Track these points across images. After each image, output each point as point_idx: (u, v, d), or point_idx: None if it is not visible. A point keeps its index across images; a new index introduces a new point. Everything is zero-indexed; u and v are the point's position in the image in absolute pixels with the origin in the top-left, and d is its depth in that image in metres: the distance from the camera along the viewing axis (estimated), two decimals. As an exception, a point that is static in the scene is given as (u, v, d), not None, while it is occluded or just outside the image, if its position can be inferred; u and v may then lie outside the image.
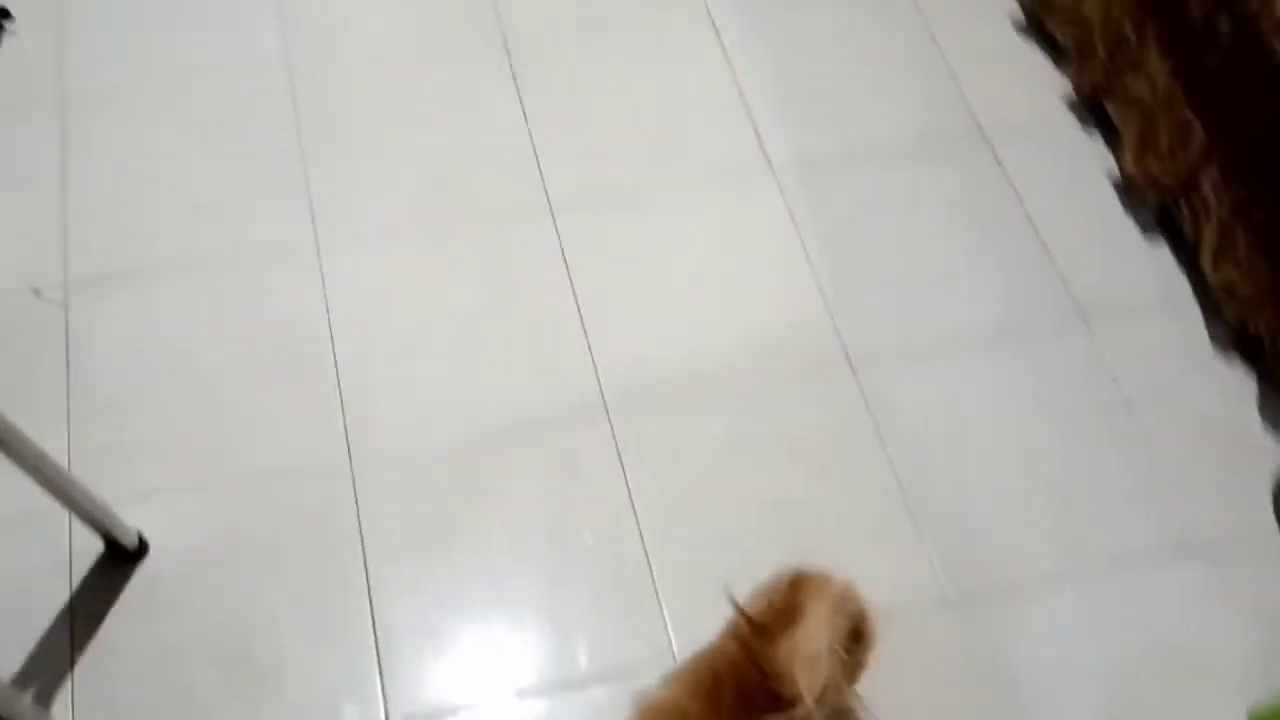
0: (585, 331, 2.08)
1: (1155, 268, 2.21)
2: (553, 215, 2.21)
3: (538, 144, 2.29)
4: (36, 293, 2.04)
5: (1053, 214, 2.26)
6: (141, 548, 1.79)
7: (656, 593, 1.84)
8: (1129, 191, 2.27)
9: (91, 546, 1.81)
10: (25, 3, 2.39)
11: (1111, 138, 2.33)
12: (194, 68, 2.35)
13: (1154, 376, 2.09)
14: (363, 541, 1.86)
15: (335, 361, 2.02)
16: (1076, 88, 2.38)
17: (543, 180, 2.24)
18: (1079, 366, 2.10)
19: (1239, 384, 2.09)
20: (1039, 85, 2.42)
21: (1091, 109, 2.37)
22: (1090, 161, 2.33)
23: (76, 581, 1.79)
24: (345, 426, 1.96)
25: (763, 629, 1.48)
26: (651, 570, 1.86)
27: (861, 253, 2.19)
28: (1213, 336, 2.13)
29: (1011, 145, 2.33)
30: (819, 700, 1.40)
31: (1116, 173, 2.30)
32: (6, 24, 2.36)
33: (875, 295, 2.14)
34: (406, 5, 2.46)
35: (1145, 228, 2.25)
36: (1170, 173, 2.16)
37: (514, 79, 2.36)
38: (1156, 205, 2.21)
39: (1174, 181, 2.15)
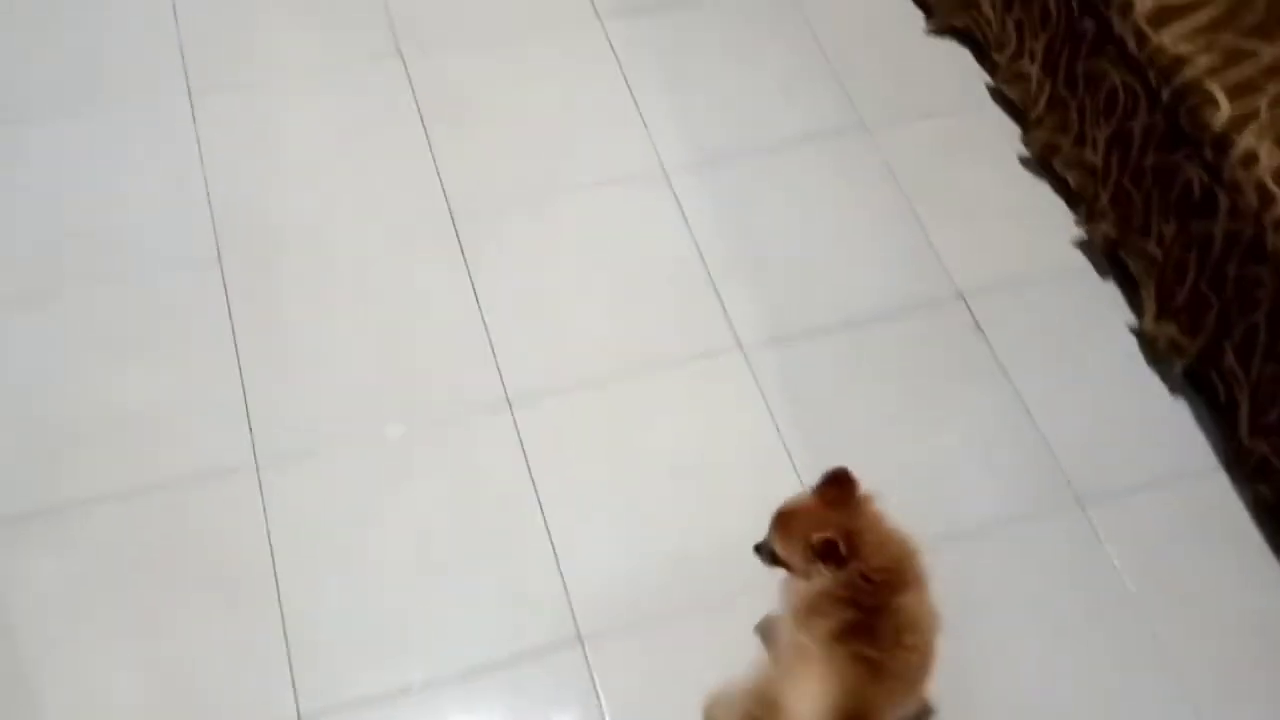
0: (552, 542, 1.91)
1: (1183, 428, 2.06)
2: (510, 407, 2.04)
3: (490, 326, 2.12)
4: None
5: (1062, 372, 2.12)
6: None
7: None
8: (1152, 350, 2.12)
9: None
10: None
11: (1130, 287, 2.19)
12: (120, 268, 2.16)
13: (1171, 558, 1.94)
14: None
15: (279, 595, 1.85)
16: (1089, 235, 2.23)
17: (498, 367, 2.08)
18: (1086, 551, 1.94)
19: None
20: (1048, 230, 2.28)
21: (1108, 256, 2.23)
22: (1111, 310, 2.19)
23: None
24: (292, 676, 1.78)
25: None
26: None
27: (841, 437, 2.04)
28: (1252, 510, 1.97)
29: (1015, 298, 2.19)
30: None
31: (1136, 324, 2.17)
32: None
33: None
34: (341, 185, 2.28)
35: (1172, 386, 2.10)
36: (1191, 340, 2.02)
37: (463, 256, 2.20)
38: (1183, 367, 2.06)
39: (1196, 350, 2.01)
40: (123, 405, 2.01)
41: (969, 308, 2.18)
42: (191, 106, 2.36)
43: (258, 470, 1.95)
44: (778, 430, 2.03)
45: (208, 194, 2.25)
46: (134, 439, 1.98)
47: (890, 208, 2.30)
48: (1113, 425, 2.08)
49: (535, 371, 2.08)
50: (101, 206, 2.23)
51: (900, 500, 1.98)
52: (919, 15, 2.59)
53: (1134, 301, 2.18)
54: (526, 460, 1.99)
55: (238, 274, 2.16)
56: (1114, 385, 2.12)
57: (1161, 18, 1.95)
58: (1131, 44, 1.99)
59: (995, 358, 2.13)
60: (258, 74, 2.43)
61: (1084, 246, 2.26)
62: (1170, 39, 1.93)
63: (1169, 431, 2.07)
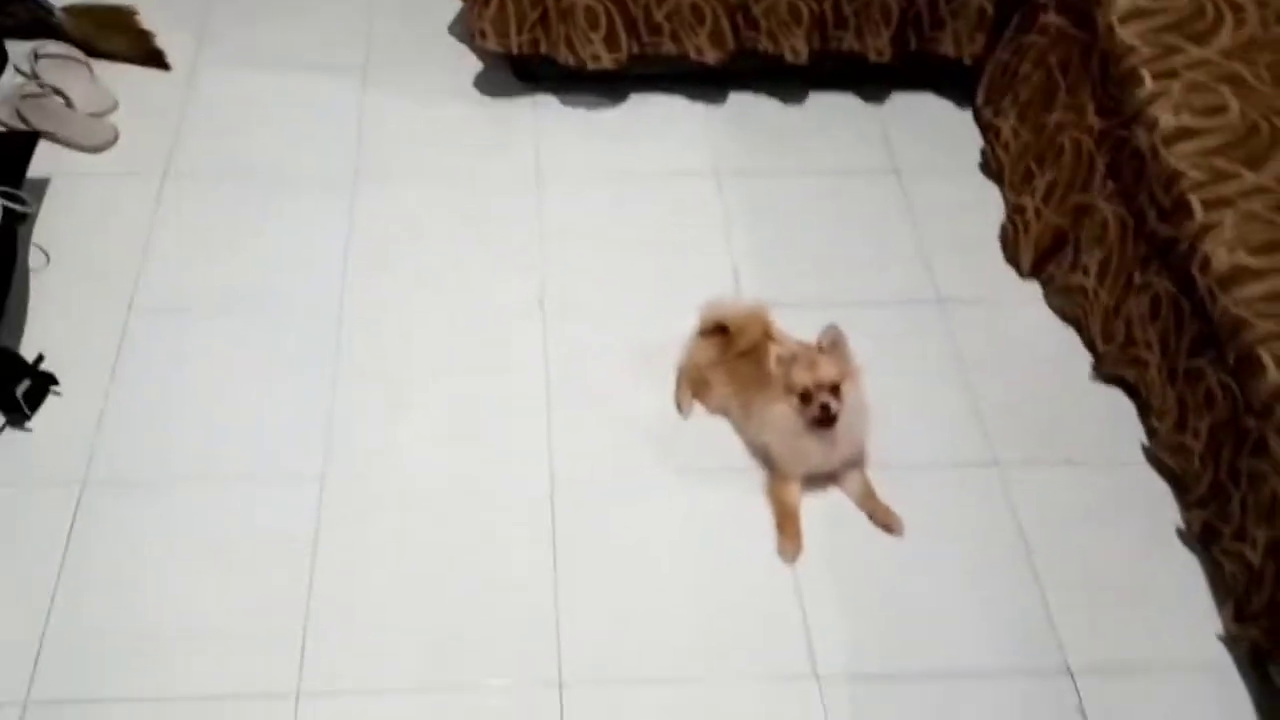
0: None
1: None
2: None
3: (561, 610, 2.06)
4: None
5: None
6: None
7: None
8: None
9: None
10: (76, 376, 2.30)
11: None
12: (221, 478, 2.20)
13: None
14: None
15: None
16: (1237, 635, 2.02)
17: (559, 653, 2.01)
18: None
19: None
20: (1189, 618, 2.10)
21: (1253, 662, 2.01)
22: None
23: None
24: None
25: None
26: None
27: None
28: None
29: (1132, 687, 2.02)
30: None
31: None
32: (52, 388, 2.28)
33: None
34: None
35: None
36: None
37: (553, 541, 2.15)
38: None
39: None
40: (194, 621, 2.02)
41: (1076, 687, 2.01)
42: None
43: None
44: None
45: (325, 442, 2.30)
46: (195, 650, 1.98)
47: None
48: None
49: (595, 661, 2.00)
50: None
51: None
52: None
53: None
54: None
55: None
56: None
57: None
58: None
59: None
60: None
61: (1230, 644, 2.04)
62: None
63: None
